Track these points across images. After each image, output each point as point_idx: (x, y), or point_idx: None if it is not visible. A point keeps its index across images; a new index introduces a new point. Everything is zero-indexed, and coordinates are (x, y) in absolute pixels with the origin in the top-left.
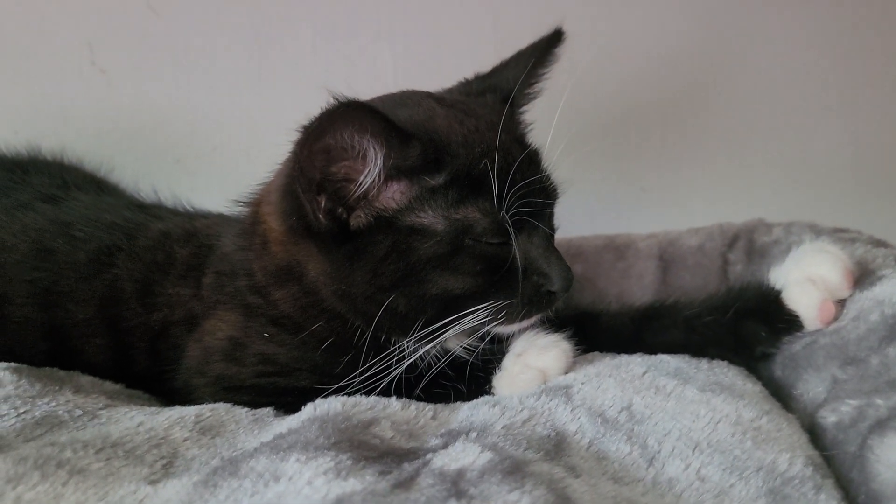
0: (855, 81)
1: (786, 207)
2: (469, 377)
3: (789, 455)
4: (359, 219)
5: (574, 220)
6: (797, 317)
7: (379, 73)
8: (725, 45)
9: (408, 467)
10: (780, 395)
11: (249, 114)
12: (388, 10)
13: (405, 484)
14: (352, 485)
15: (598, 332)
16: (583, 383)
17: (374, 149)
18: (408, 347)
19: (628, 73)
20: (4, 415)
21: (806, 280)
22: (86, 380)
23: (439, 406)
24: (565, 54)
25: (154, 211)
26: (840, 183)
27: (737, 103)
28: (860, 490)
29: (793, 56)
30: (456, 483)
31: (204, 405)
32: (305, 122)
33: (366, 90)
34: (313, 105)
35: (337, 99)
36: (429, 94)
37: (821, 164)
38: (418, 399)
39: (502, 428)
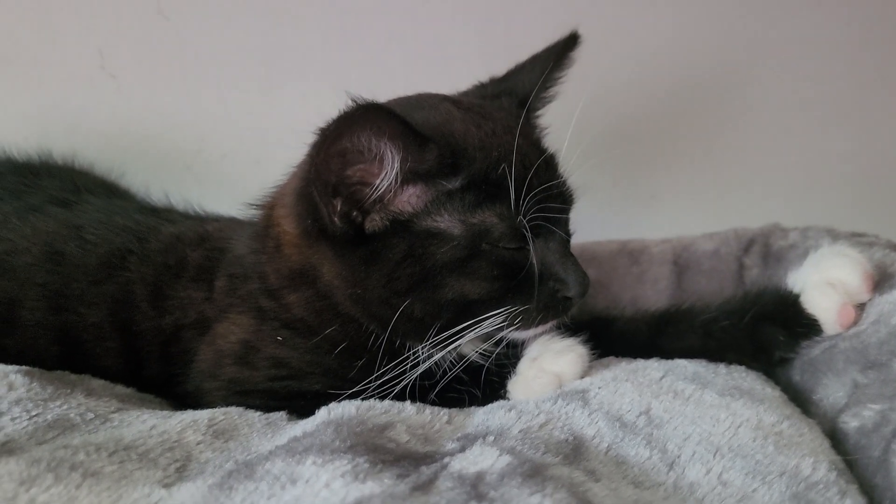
0: (869, 85)
1: (799, 214)
2: (484, 382)
3: (812, 460)
4: (374, 222)
5: (585, 227)
6: (816, 321)
7: (389, 78)
8: (738, 52)
9: (426, 470)
10: (800, 400)
11: (259, 121)
12: (398, 15)
13: (424, 487)
14: (370, 487)
15: (612, 337)
16: (599, 388)
17: (391, 152)
18: (422, 353)
19: (641, 79)
20: (17, 417)
21: (825, 283)
22: (97, 383)
23: (454, 410)
24: (579, 60)
25: (166, 214)
26: (855, 188)
27: (749, 109)
28: (885, 495)
29: (806, 61)
30: (476, 486)
31: (217, 409)
32: (322, 124)
33: (377, 95)
34: (323, 111)
35: (355, 101)
36: (445, 97)
37: (835, 170)
38: (433, 403)
39: (519, 432)
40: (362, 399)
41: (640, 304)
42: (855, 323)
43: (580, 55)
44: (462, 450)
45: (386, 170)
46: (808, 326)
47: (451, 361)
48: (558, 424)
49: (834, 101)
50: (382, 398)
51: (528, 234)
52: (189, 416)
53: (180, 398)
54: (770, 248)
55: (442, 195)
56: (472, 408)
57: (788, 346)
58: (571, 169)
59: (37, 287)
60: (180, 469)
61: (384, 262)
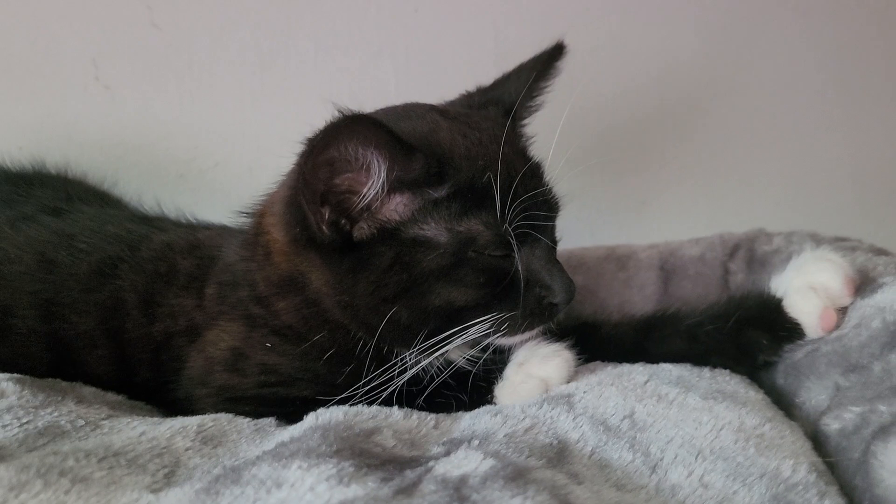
0: (855, 94)
1: (786, 220)
2: (471, 387)
3: (793, 461)
4: (362, 230)
5: (575, 234)
6: (799, 325)
7: (380, 87)
8: (725, 59)
9: (410, 474)
10: (783, 403)
11: (252, 129)
12: (389, 25)
13: (407, 490)
14: (354, 491)
15: (599, 342)
16: (585, 392)
17: (378, 161)
18: (410, 359)
19: (628, 86)
20: (7, 425)
21: (807, 288)
22: (88, 391)
23: (441, 415)
24: (566, 68)
25: (157, 223)
26: (840, 194)
27: (737, 116)
28: (864, 496)
29: (793, 69)
30: (458, 489)
31: (206, 415)
32: (310, 134)
33: (367, 104)
34: (315, 120)
35: (341, 112)
36: (432, 107)
37: (821, 176)
38: (420, 409)
39: (504, 436)
40: (351, 404)
41: (627, 309)
42: (837, 326)
43: (569, 64)
44: (447, 454)
45: (373, 178)
46: (790, 330)
47: (438, 367)
48: (543, 428)
49: (820, 109)
50: (370, 403)
51: (514, 242)
52: (178, 422)
53: (171, 405)
54: (755, 252)
55: (428, 203)
56: (459, 412)
57: (772, 349)
58: (559, 176)
59: (29, 295)
60: (168, 475)
61: (372, 270)
